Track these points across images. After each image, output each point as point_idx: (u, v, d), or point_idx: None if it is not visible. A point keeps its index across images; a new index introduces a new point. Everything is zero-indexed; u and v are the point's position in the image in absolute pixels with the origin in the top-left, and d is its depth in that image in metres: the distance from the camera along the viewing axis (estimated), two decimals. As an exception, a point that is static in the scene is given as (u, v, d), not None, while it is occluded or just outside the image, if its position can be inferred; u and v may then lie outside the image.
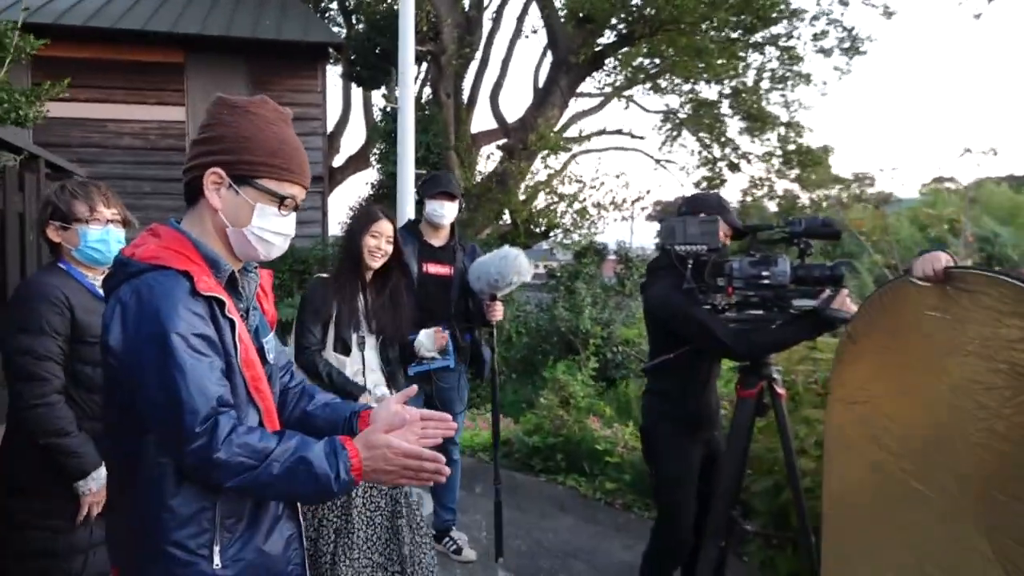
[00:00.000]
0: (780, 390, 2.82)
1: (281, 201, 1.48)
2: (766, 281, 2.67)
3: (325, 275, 3.10)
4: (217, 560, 1.39)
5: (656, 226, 2.80)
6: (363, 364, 3.04)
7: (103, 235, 2.34)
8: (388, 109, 11.54)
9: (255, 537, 1.45)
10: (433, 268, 3.71)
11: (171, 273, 1.38)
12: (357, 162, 18.50)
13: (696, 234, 2.79)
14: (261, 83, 10.93)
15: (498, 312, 3.63)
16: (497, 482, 3.68)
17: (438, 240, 3.76)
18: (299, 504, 1.59)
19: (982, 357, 1.97)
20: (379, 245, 3.06)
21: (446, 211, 3.69)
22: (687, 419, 2.96)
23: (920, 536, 2.14)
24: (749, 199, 15.26)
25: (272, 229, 1.49)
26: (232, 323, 1.43)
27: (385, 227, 3.08)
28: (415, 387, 1.67)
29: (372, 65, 12.62)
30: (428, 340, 3.41)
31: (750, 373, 2.81)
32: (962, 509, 2.02)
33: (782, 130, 13.72)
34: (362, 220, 3.10)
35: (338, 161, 17.42)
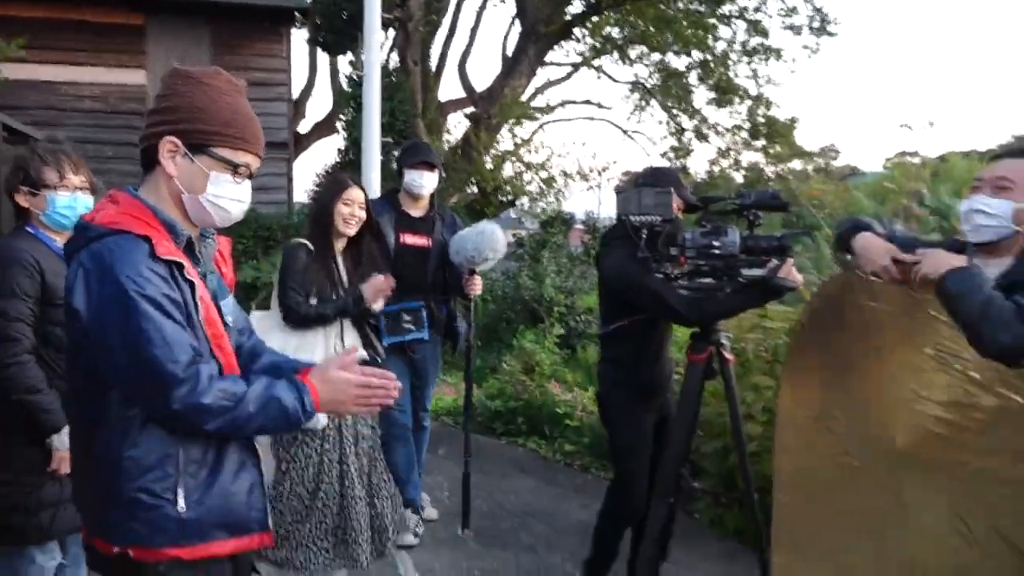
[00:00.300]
0: (728, 356, 2.95)
1: (235, 169, 1.55)
2: (717, 251, 2.77)
3: (302, 240, 3.12)
4: (182, 503, 1.46)
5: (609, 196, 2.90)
6: (341, 331, 3.11)
7: (71, 202, 2.38)
8: (355, 76, 11.45)
9: (218, 482, 1.52)
10: (410, 239, 3.69)
11: (131, 237, 1.43)
12: (323, 128, 18.30)
13: (650, 205, 2.89)
14: (225, 47, 10.78)
15: (476, 286, 3.65)
16: (467, 454, 3.72)
17: (417, 210, 3.73)
18: (259, 454, 1.67)
19: (916, 345, 2.11)
20: (352, 212, 3.10)
21: (425, 181, 3.66)
22: (640, 387, 3.09)
23: (867, 513, 2.28)
24: (716, 169, 15.42)
25: (227, 196, 1.56)
26: (192, 284, 1.50)
27: (356, 194, 3.12)
28: (356, 347, 1.78)
29: (339, 30, 12.46)
30: (369, 289, 3.18)
31: (700, 339, 2.93)
32: (903, 485, 2.16)
33: (750, 103, 13.86)
34: (333, 188, 3.13)
35: (304, 127, 17.25)
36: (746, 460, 2.94)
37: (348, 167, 11.95)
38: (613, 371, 3.13)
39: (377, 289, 3.15)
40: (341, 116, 12.42)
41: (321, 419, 2.92)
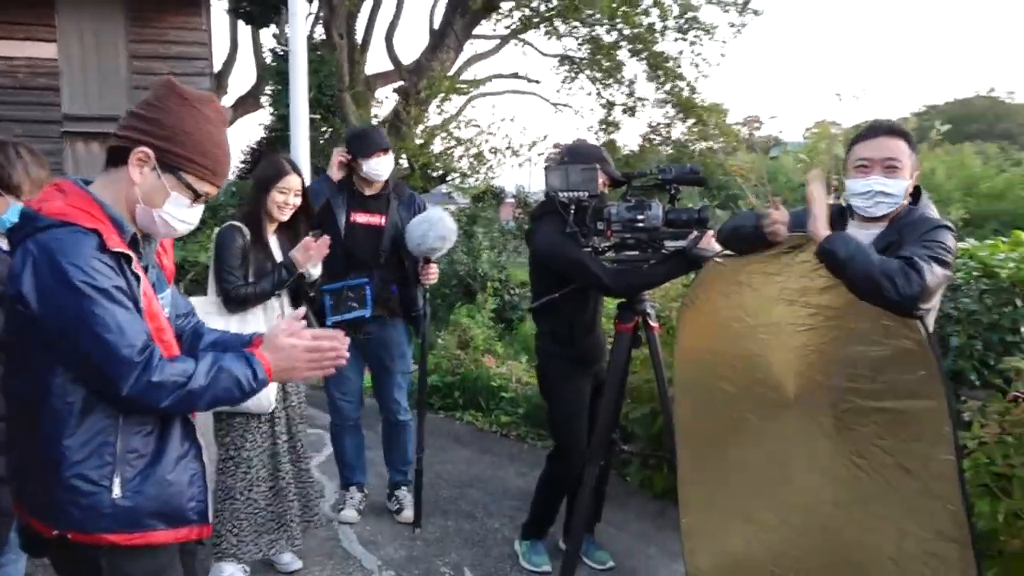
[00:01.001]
0: (654, 324, 3.10)
1: (196, 197, 1.60)
2: (641, 224, 2.91)
3: (236, 223, 3.08)
4: (117, 491, 1.51)
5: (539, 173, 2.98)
6: (282, 313, 3.10)
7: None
8: (280, 50, 11.20)
9: (156, 472, 1.57)
10: (362, 218, 3.62)
11: (79, 229, 1.47)
12: (246, 103, 17.79)
13: (577, 182, 3.00)
14: (141, 20, 10.39)
15: (431, 274, 3.60)
16: (419, 450, 3.66)
17: (371, 189, 3.65)
18: (203, 447, 1.73)
19: (800, 303, 2.32)
20: (287, 200, 3.07)
21: (383, 167, 3.56)
22: (577, 357, 3.21)
23: (767, 464, 2.47)
24: (647, 144, 15.67)
25: (180, 217, 1.61)
26: (138, 278, 1.55)
27: (293, 182, 3.08)
28: (303, 309, 1.81)
29: (261, 2, 12.14)
30: (298, 252, 3.10)
31: (627, 309, 3.07)
32: (799, 432, 2.36)
33: (678, 80, 14.09)
34: (269, 174, 3.09)
35: (226, 102, 16.74)
36: (673, 424, 3.09)
37: (275, 143, 11.73)
38: (550, 343, 3.24)
39: (305, 250, 3.08)
40: (267, 91, 12.14)
41: (266, 399, 2.96)
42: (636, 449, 3.96)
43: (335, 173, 3.59)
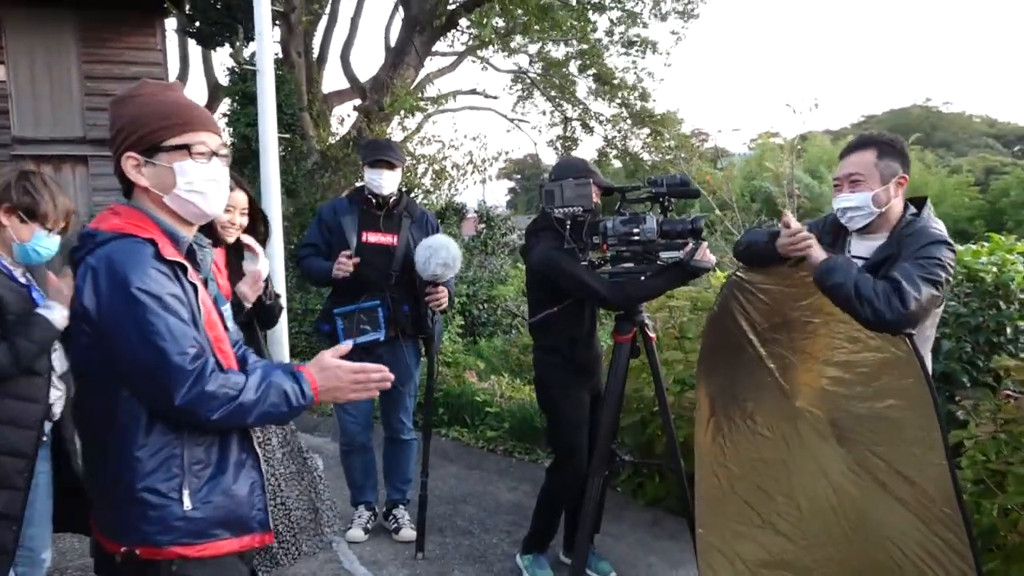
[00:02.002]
0: (651, 334, 3.16)
1: (189, 151, 1.58)
2: (636, 237, 2.97)
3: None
4: (188, 502, 1.52)
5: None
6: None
7: (51, 244, 2.39)
8: (237, 69, 11.07)
9: (222, 481, 1.58)
10: (373, 237, 3.59)
11: (136, 240, 1.51)
12: (199, 123, 17.58)
13: (572, 197, 3.06)
14: (94, 40, 10.21)
15: (440, 299, 3.52)
16: (423, 474, 3.61)
17: (382, 208, 3.61)
18: (261, 456, 1.72)
19: (806, 313, 2.43)
20: (232, 219, 2.82)
21: (384, 180, 3.56)
22: (576, 368, 3.25)
23: (783, 480, 2.55)
24: (603, 159, 15.85)
25: (198, 179, 1.59)
26: (195, 287, 1.57)
27: (238, 199, 2.83)
28: (350, 343, 1.78)
29: (215, 21, 11.99)
30: (247, 285, 2.85)
31: (625, 320, 3.12)
32: (808, 445, 2.45)
33: (626, 93, 14.31)
34: None
35: (179, 122, 16.46)
36: (672, 430, 3.16)
37: (236, 164, 11.58)
38: (551, 357, 3.27)
39: (254, 283, 2.83)
40: (225, 111, 11.98)
41: None
42: (635, 458, 4.00)
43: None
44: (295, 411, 1.60)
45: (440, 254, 3.40)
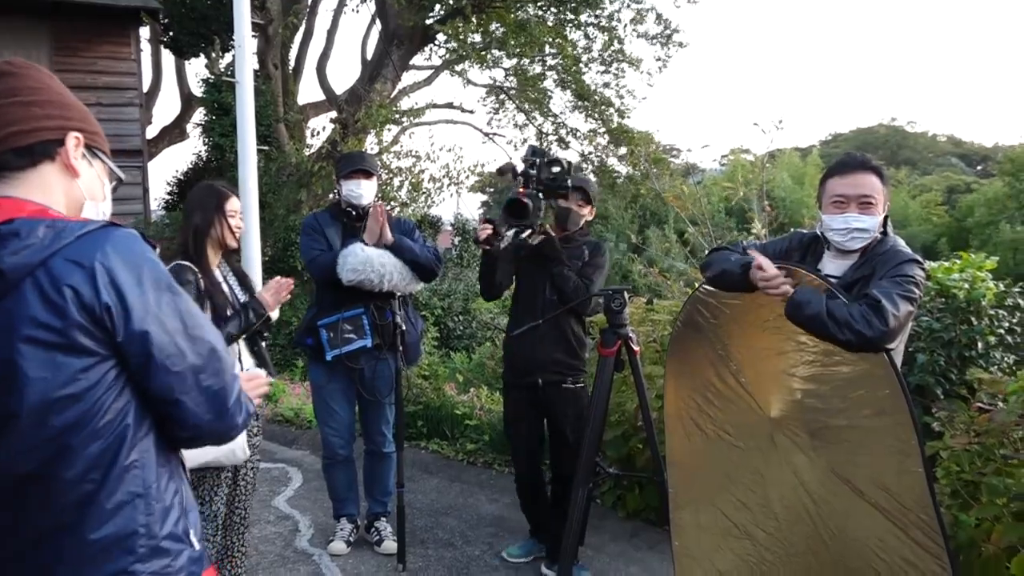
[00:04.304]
0: (636, 348, 3.21)
1: (119, 181, 1.44)
2: None
3: (183, 262, 2.82)
4: (195, 542, 1.34)
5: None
6: (239, 352, 2.94)
7: None
8: (211, 79, 11.03)
9: (195, 511, 1.40)
10: None
11: (125, 228, 1.25)
12: (171, 133, 17.43)
13: None
14: (67, 49, 10.14)
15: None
16: (399, 484, 3.61)
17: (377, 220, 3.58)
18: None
19: (776, 330, 2.46)
20: (238, 224, 2.95)
21: (363, 189, 3.58)
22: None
23: (756, 487, 2.60)
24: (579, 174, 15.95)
25: (109, 210, 1.41)
26: None
27: (237, 204, 2.97)
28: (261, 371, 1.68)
29: (190, 31, 11.95)
30: (269, 294, 3.01)
31: (610, 334, 3.17)
32: (783, 453, 2.50)
33: (605, 108, 14.46)
34: (212, 200, 2.91)
35: (150, 132, 16.34)
36: (655, 442, 3.20)
37: (208, 174, 11.50)
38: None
39: (276, 291, 2.97)
40: (200, 121, 11.91)
41: (241, 450, 2.79)
42: (617, 471, 4.04)
43: None
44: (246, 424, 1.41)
45: (348, 260, 3.44)
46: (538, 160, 3.16)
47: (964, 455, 2.66)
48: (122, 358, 1.20)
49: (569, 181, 3.21)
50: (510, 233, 3.19)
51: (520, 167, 3.20)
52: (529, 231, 3.23)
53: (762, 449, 2.56)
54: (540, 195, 3.14)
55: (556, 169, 3.17)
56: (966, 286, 3.25)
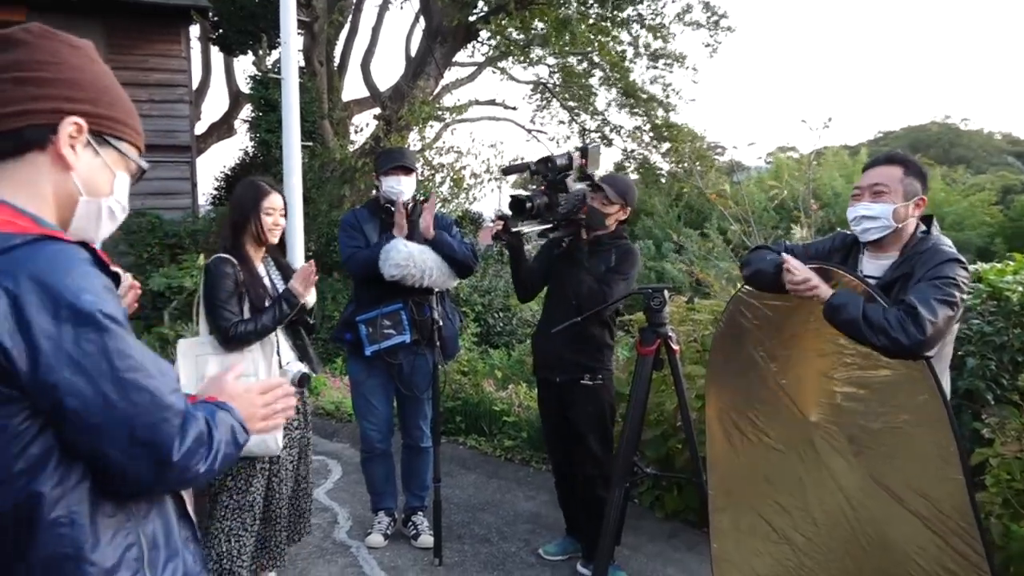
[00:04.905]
0: (675, 347, 3.17)
1: (141, 173, 1.28)
2: None
3: (224, 255, 2.92)
4: None
5: (525, 192, 3.24)
6: (277, 345, 2.98)
7: None
8: (259, 76, 11.19)
9: (177, 557, 1.21)
10: None
11: (61, 243, 1.06)
12: (220, 129, 17.76)
13: None
14: (119, 47, 10.34)
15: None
16: (436, 479, 3.62)
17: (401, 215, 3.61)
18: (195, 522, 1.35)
19: (818, 332, 2.41)
20: (276, 221, 2.99)
21: (403, 186, 3.61)
22: None
23: (795, 492, 2.56)
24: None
25: (124, 203, 1.26)
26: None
27: (276, 201, 3.00)
28: (242, 366, 1.45)
29: (239, 29, 12.15)
30: (298, 281, 3.01)
31: (649, 332, 3.14)
32: (822, 457, 2.45)
33: (651, 106, 14.34)
34: (251, 196, 2.97)
35: (199, 129, 16.67)
36: (695, 443, 3.16)
37: (255, 169, 11.68)
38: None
39: (305, 278, 2.99)
40: (247, 117, 12.12)
41: (274, 442, 2.81)
42: (655, 471, 4.01)
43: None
44: (239, 452, 1.24)
45: (391, 256, 3.46)
46: (549, 161, 3.22)
47: (1015, 463, 2.58)
48: (33, 401, 1.01)
49: (572, 175, 3.25)
50: (530, 231, 3.23)
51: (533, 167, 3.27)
52: (553, 229, 3.24)
53: (801, 453, 2.52)
54: (543, 191, 3.18)
55: (561, 162, 3.22)
56: (1020, 288, 3.15)
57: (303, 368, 3.05)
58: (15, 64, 1.12)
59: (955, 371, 2.97)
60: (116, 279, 1.13)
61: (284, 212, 3.07)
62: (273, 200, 2.99)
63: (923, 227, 2.41)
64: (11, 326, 0.97)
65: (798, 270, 2.32)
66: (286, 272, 3.14)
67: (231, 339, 2.84)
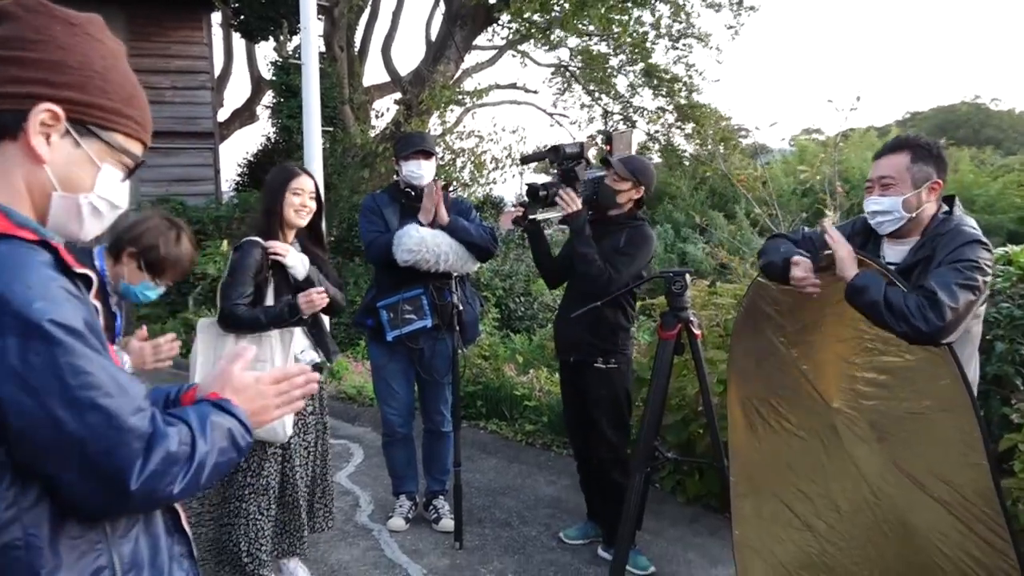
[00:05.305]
0: (697, 331, 3.14)
1: (135, 166, 1.16)
2: None
3: (255, 238, 2.94)
4: None
5: (546, 177, 3.29)
6: (293, 331, 2.98)
7: (156, 293, 2.53)
8: (280, 62, 11.21)
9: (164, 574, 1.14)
10: None
11: (17, 242, 0.98)
12: (242, 116, 17.84)
13: None
14: (142, 34, 10.43)
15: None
16: (456, 463, 3.63)
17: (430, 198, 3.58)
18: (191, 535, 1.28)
19: (838, 317, 2.39)
20: (304, 202, 2.98)
21: (423, 170, 3.58)
22: None
23: (818, 478, 2.54)
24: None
25: (112, 200, 1.14)
26: (97, 310, 1.05)
27: (306, 183, 2.99)
28: (251, 348, 1.35)
29: (260, 15, 12.16)
30: (304, 303, 2.94)
31: (670, 316, 3.11)
32: (845, 443, 2.42)
33: (675, 87, 14.18)
34: (280, 179, 2.98)
35: (222, 115, 16.75)
36: (716, 428, 3.14)
37: (277, 156, 11.73)
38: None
39: (311, 305, 2.94)
40: (268, 103, 12.16)
41: (281, 429, 2.83)
42: (676, 455, 3.99)
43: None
44: (242, 454, 1.17)
45: (403, 241, 3.46)
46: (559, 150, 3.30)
47: (1044, 449, 2.53)
48: None
49: (582, 162, 3.32)
50: (548, 217, 3.31)
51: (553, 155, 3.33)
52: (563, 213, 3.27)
53: (823, 439, 2.49)
54: (559, 177, 3.27)
55: (571, 151, 3.28)
56: (1051, 272, 3.09)
57: (316, 357, 3.07)
58: (4, 44, 1.03)
59: (984, 355, 2.91)
60: (87, 282, 1.05)
61: (316, 195, 3.05)
62: (302, 182, 2.99)
63: (945, 208, 2.35)
64: None
65: (801, 268, 2.37)
66: (314, 257, 3.11)
67: (224, 316, 2.87)
